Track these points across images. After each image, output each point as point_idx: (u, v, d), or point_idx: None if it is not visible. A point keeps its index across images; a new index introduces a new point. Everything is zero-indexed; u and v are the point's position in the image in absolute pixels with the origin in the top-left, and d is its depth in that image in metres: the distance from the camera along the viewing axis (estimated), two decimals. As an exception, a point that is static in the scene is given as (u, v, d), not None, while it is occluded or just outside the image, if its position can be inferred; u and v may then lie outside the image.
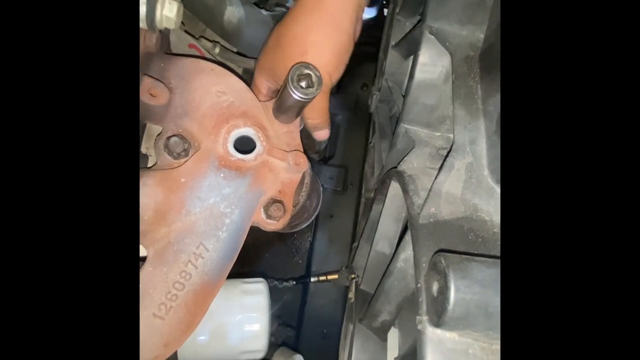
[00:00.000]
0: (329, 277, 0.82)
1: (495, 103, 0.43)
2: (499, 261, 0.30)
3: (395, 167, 0.52)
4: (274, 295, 0.71)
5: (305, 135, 0.59)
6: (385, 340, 0.56)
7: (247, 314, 0.63)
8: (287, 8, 0.79)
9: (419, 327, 0.32)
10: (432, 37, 0.53)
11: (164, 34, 0.54)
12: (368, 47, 0.99)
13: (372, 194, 0.74)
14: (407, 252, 0.46)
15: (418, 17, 0.69)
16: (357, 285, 0.71)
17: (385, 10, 0.88)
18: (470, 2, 0.51)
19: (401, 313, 0.51)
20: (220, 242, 0.47)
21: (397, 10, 0.74)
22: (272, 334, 0.73)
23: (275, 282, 0.79)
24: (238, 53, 0.68)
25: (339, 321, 0.84)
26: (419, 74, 0.55)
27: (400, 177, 0.48)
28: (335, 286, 0.89)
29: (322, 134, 0.58)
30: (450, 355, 0.31)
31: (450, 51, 0.51)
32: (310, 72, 0.45)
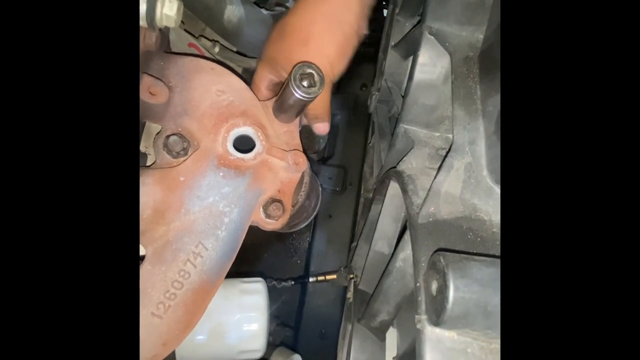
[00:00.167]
0: (328, 277, 0.82)
1: (494, 103, 0.44)
2: (498, 260, 0.30)
3: (395, 167, 0.52)
4: (273, 295, 0.71)
5: (305, 135, 0.59)
6: (383, 340, 0.56)
7: (246, 313, 0.63)
8: (287, 8, 0.79)
9: (418, 326, 0.32)
10: (432, 37, 0.53)
11: (164, 32, 0.54)
12: (367, 47, 0.99)
13: (371, 194, 0.74)
14: (406, 252, 0.46)
15: (417, 18, 0.69)
16: (355, 285, 0.71)
17: (385, 11, 0.88)
18: (470, 3, 0.51)
19: (400, 313, 0.51)
20: (219, 241, 0.47)
21: (397, 10, 0.74)
22: (271, 334, 0.73)
23: (274, 282, 0.79)
24: (238, 52, 0.68)
25: (338, 321, 0.84)
26: (418, 75, 0.55)
27: (400, 177, 0.48)
28: (333, 286, 0.89)
29: (321, 127, 0.58)
30: (449, 354, 0.31)
31: (449, 52, 0.51)
32: (313, 72, 0.45)
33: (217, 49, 0.63)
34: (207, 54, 0.63)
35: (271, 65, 0.53)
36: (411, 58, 0.60)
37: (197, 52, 0.63)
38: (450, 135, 0.46)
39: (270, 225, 0.50)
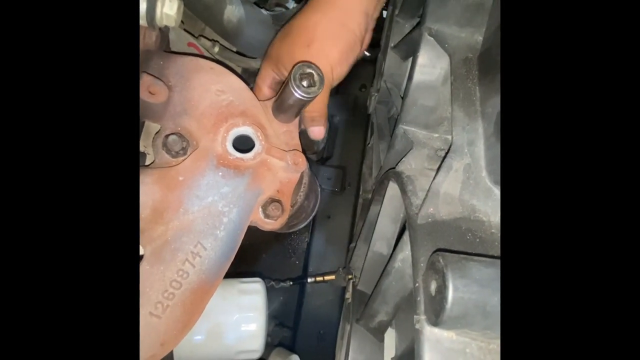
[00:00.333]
0: (326, 277, 0.82)
1: (493, 105, 0.44)
2: (497, 261, 0.30)
3: (394, 168, 0.52)
4: (271, 295, 0.71)
5: (304, 135, 0.59)
6: (382, 340, 0.56)
7: (244, 313, 0.63)
8: (287, 8, 0.79)
9: (417, 326, 0.33)
10: (431, 38, 0.53)
11: (164, 31, 0.54)
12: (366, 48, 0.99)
13: (370, 195, 0.74)
14: (404, 252, 0.46)
15: (417, 19, 0.69)
16: (354, 286, 0.71)
17: (385, 12, 0.88)
18: (469, 5, 0.51)
19: (398, 313, 0.51)
20: (218, 241, 0.47)
21: (396, 12, 0.75)
22: (269, 335, 0.73)
23: (272, 283, 0.79)
24: (237, 52, 0.68)
25: (336, 322, 0.84)
26: (417, 76, 0.55)
27: (399, 178, 0.48)
28: (332, 287, 0.89)
29: (317, 131, 0.58)
30: (448, 354, 0.31)
31: (449, 53, 0.52)
32: (313, 72, 0.45)
33: (216, 49, 0.63)
34: (206, 54, 0.63)
35: (274, 64, 0.55)
36: (410, 59, 0.60)
37: (196, 52, 0.63)
38: (449, 136, 0.46)
39: (269, 225, 0.50)
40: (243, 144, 0.51)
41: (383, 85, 0.78)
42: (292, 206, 0.55)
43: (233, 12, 0.65)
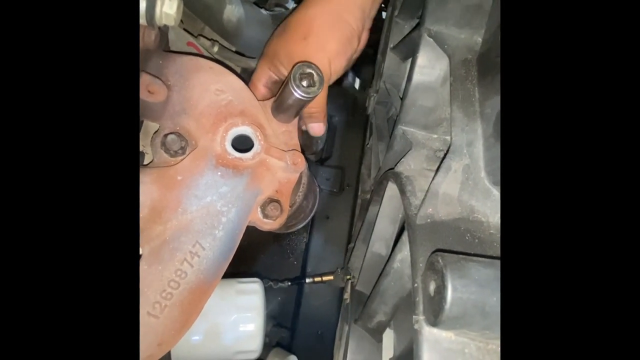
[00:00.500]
0: (324, 278, 0.82)
1: (492, 106, 0.44)
2: (496, 261, 0.30)
3: (393, 169, 0.52)
4: (269, 296, 0.71)
5: (303, 135, 0.59)
6: (380, 341, 0.56)
7: (242, 313, 0.63)
8: (287, 8, 0.79)
9: (416, 326, 0.33)
10: (431, 39, 0.53)
11: (163, 31, 0.54)
12: (366, 48, 0.99)
13: (368, 195, 0.74)
14: (403, 253, 0.46)
15: (416, 20, 0.69)
16: (352, 286, 0.71)
17: (384, 13, 0.88)
18: (469, 6, 0.51)
19: (397, 314, 0.51)
20: (216, 241, 0.47)
21: (396, 12, 0.75)
22: (267, 335, 0.73)
23: (270, 283, 0.78)
24: (237, 52, 0.68)
25: (334, 322, 0.84)
26: (416, 76, 0.55)
27: (398, 178, 0.48)
28: (330, 287, 0.89)
29: (316, 127, 0.58)
30: (447, 355, 0.31)
31: (448, 54, 0.52)
32: (312, 72, 0.45)
33: (216, 49, 0.63)
34: (206, 53, 0.63)
35: (271, 61, 0.54)
36: (410, 60, 0.60)
37: (196, 51, 0.62)
38: (448, 137, 0.46)
39: (268, 225, 0.50)
40: (242, 144, 0.51)
41: (382, 86, 0.78)
42: (290, 206, 0.55)
43: (233, 12, 0.65)
